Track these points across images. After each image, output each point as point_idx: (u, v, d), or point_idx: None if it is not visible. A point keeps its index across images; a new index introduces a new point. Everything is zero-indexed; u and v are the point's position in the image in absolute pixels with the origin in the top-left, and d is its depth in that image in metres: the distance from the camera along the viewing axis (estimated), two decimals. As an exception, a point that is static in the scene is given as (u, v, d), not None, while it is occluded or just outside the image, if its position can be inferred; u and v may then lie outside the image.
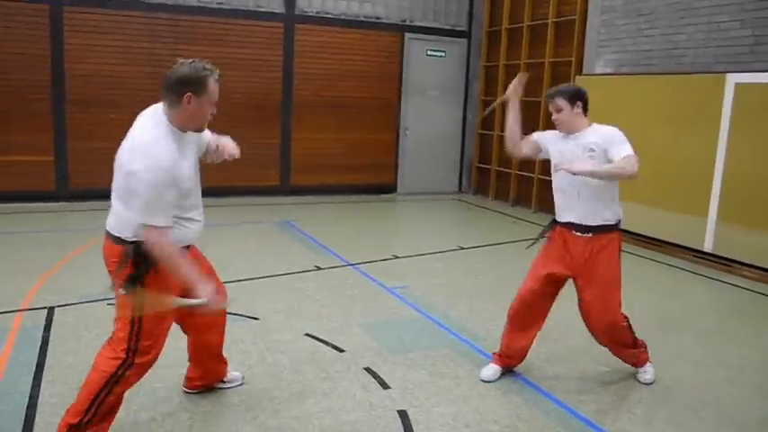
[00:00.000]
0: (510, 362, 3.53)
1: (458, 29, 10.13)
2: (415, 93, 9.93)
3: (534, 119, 8.66)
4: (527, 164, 8.82)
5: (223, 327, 3.11)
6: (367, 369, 3.54)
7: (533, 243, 3.63)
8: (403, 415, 3.06)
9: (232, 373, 3.27)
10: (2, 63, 7.60)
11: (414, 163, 10.09)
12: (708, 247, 6.27)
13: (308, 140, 9.29)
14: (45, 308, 4.25)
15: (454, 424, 3.00)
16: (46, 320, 4.04)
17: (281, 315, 4.34)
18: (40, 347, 3.63)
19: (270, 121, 9.05)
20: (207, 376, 3.15)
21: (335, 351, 3.78)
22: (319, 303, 4.64)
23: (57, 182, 8.04)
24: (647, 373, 3.53)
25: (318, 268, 5.56)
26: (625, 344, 3.45)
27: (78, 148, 8.01)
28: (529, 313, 3.41)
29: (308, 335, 4.01)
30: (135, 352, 2.52)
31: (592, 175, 3.07)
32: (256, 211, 8.21)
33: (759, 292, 5.44)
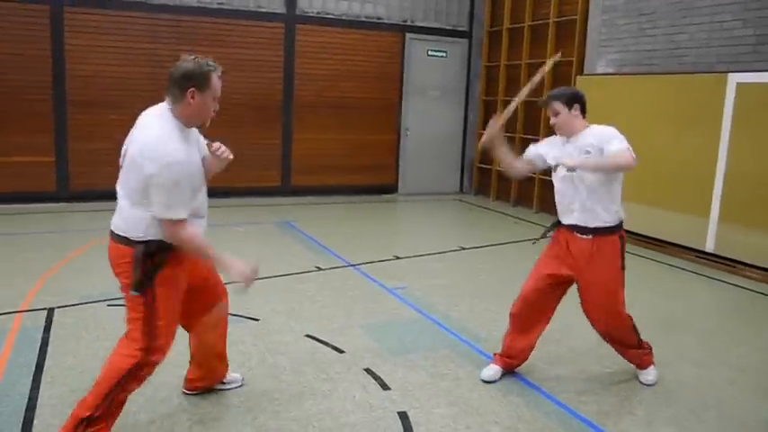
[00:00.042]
0: (511, 363, 3.52)
1: (459, 29, 10.11)
2: (416, 93, 9.92)
3: (536, 120, 8.66)
4: (528, 164, 8.80)
5: (226, 326, 3.12)
6: (367, 370, 3.53)
7: (538, 240, 3.65)
8: (403, 416, 3.05)
9: (232, 374, 3.27)
10: (2, 64, 7.60)
11: (415, 163, 10.08)
12: (709, 247, 6.26)
13: (309, 141, 9.29)
14: (45, 309, 4.24)
15: (455, 425, 2.99)
16: (46, 321, 4.03)
17: (281, 316, 4.33)
18: (40, 348, 3.62)
19: (271, 121, 9.04)
20: (207, 377, 3.15)
21: (336, 352, 3.77)
22: (320, 304, 4.63)
23: (57, 183, 8.05)
24: (649, 374, 3.52)
25: (319, 269, 5.55)
26: (630, 345, 3.45)
27: (79, 148, 8.01)
28: (531, 313, 3.41)
29: (308, 336, 4.00)
30: (149, 350, 2.56)
31: (584, 165, 3.09)
32: (257, 211, 8.20)
33: (761, 293, 5.42)
